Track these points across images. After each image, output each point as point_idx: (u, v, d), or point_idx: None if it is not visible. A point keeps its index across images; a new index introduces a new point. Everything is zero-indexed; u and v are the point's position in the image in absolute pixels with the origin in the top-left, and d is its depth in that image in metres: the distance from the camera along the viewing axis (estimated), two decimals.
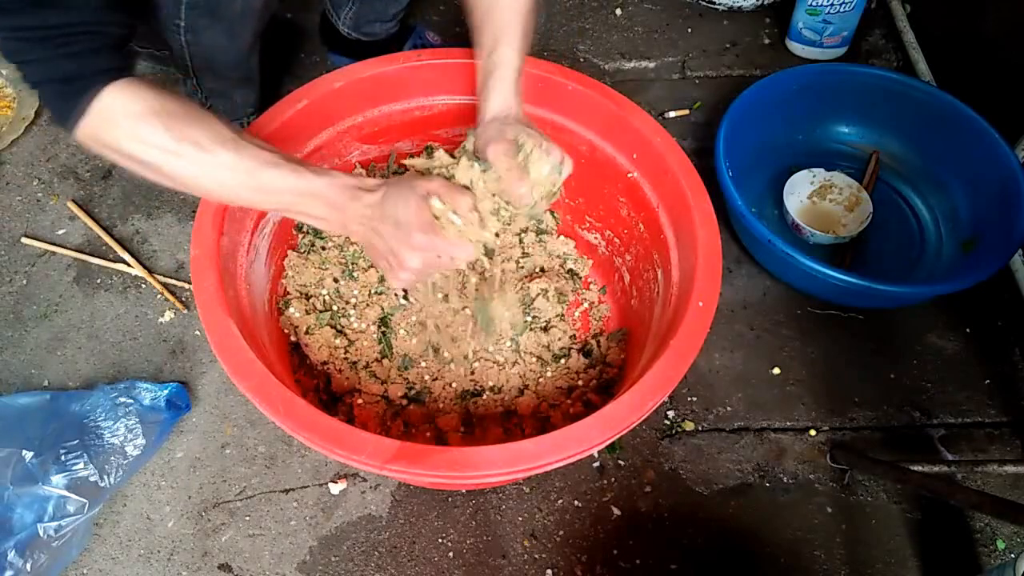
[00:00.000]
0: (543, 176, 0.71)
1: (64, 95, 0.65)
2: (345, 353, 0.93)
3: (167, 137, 0.65)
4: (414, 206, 0.67)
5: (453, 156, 0.74)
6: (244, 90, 1.15)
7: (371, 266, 0.96)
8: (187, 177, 0.68)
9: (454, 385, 0.93)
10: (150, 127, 0.65)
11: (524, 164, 0.70)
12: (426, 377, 0.93)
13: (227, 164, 0.67)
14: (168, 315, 1.09)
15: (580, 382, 0.94)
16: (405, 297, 0.95)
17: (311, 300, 0.95)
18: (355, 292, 0.96)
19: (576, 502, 0.97)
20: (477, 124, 0.78)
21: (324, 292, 0.95)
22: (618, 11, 1.49)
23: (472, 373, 0.94)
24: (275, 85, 1.33)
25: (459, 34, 1.41)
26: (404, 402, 0.91)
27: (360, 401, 0.89)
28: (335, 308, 0.95)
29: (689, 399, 1.05)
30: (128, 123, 0.65)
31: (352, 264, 0.97)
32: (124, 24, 0.70)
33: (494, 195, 0.70)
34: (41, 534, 0.85)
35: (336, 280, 0.96)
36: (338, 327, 0.94)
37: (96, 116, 0.65)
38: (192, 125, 0.66)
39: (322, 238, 0.97)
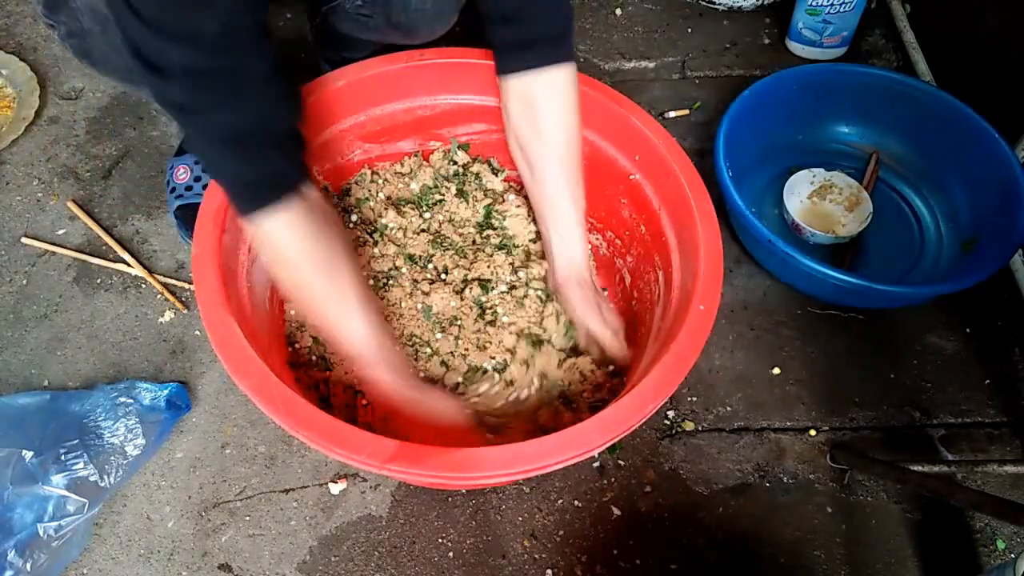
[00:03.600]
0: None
1: (242, 197, 0.72)
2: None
3: (306, 285, 0.76)
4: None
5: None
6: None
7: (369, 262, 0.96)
8: (304, 313, 0.87)
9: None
10: (293, 270, 0.76)
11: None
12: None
13: (324, 308, 0.77)
14: (168, 315, 1.09)
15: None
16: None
17: None
18: None
19: (576, 502, 0.97)
20: (555, 279, 0.93)
21: None
22: (618, 11, 1.49)
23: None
24: None
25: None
26: None
27: (364, 403, 0.89)
28: None
29: (689, 399, 1.05)
30: (282, 253, 0.74)
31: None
32: (295, 117, 0.74)
33: None
34: (41, 534, 0.85)
35: None
36: None
37: (262, 230, 0.72)
38: (328, 282, 0.76)
39: None
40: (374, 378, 0.80)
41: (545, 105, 0.85)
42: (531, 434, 0.87)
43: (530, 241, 1.00)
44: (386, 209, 1.00)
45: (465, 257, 0.98)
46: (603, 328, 0.89)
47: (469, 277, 0.95)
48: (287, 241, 0.73)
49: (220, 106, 0.65)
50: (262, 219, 0.71)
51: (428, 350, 0.92)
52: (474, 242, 1.00)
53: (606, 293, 1.05)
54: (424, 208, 1.02)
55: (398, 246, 0.97)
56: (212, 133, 0.67)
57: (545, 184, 0.89)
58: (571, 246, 0.90)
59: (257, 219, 0.71)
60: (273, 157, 0.70)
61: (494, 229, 1.00)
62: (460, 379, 0.90)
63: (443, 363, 0.91)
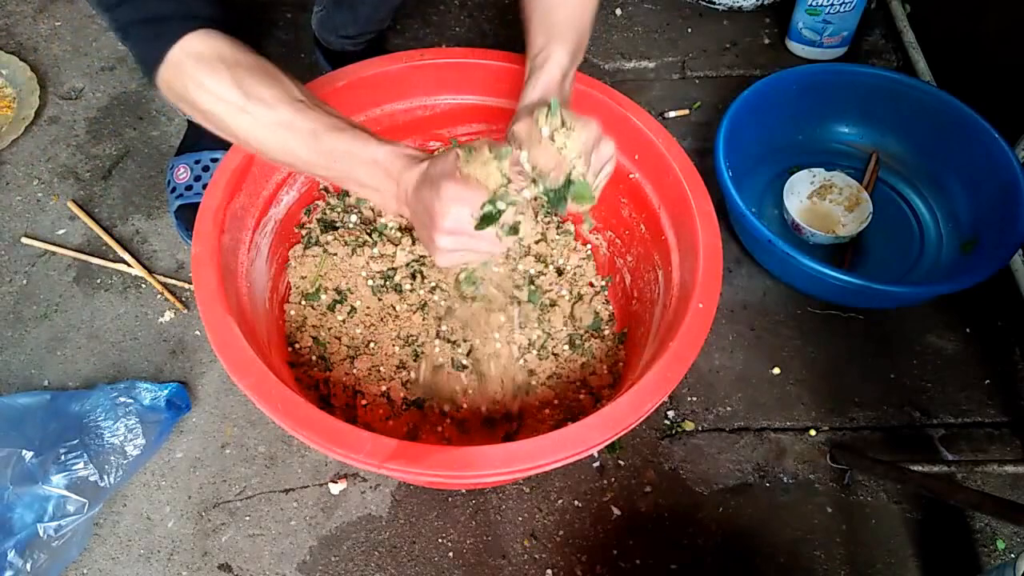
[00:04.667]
0: (577, 143, 0.64)
1: (148, 40, 0.64)
2: (347, 351, 0.93)
3: (235, 91, 0.65)
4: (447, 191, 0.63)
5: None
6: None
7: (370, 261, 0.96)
8: (249, 134, 0.67)
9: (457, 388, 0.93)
10: (218, 79, 0.65)
11: (550, 136, 0.64)
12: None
13: (291, 124, 0.66)
14: (168, 315, 1.09)
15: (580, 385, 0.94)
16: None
17: (312, 298, 0.95)
18: (360, 292, 0.96)
19: (576, 502, 0.97)
20: (520, 100, 0.73)
21: (325, 293, 0.95)
22: (618, 11, 1.49)
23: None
24: None
25: (451, 41, 1.41)
26: (404, 406, 0.91)
27: (364, 403, 0.89)
28: (337, 307, 0.95)
29: (689, 399, 1.05)
30: (199, 73, 0.65)
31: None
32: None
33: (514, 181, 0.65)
34: (41, 534, 0.85)
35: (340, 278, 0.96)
36: (340, 325, 0.94)
37: (172, 64, 0.64)
38: (262, 82, 0.65)
39: (326, 233, 0.97)
40: (377, 160, 0.66)
41: None
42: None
43: (534, 243, 1.00)
44: None
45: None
46: (533, 133, 0.67)
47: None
48: (205, 65, 0.64)
49: None
50: (173, 54, 0.64)
51: (426, 351, 0.92)
52: None
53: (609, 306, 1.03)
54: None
55: (397, 246, 0.97)
56: None
57: (546, 7, 0.75)
58: (549, 66, 0.73)
59: (168, 59, 0.64)
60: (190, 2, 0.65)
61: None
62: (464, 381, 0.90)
63: (439, 366, 0.91)
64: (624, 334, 0.98)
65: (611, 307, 1.02)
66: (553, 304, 0.96)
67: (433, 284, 0.95)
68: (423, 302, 0.95)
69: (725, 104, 1.14)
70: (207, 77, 0.65)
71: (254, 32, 1.39)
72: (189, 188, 1.11)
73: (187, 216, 1.11)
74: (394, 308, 0.94)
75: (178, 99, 0.67)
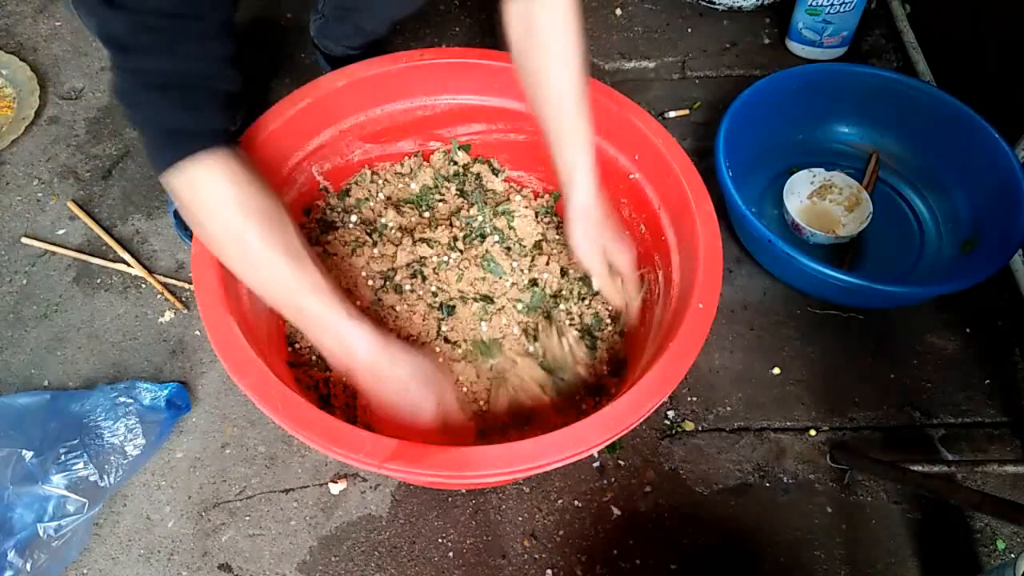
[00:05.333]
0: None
1: (164, 146, 0.66)
2: None
3: (238, 233, 0.68)
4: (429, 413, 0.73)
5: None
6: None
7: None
8: (235, 263, 0.71)
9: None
10: (224, 207, 0.68)
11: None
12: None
13: (280, 280, 0.69)
14: (168, 315, 1.09)
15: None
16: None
17: None
18: (360, 293, 0.96)
19: (576, 502, 0.97)
20: (565, 215, 0.85)
21: None
22: (618, 11, 1.49)
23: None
24: (272, 85, 1.33)
25: (450, 41, 1.41)
26: None
27: (364, 403, 0.89)
28: None
29: (689, 399, 1.05)
30: (206, 194, 0.68)
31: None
32: (238, 82, 0.70)
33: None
34: (41, 534, 0.85)
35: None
36: None
37: (185, 177, 0.67)
38: (267, 230, 0.68)
39: (326, 234, 0.97)
40: (343, 334, 0.71)
41: (545, 26, 0.79)
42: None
43: (535, 243, 1.00)
44: (386, 209, 1.00)
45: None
46: (601, 269, 0.85)
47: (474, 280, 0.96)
48: (215, 189, 0.67)
49: (163, 51, 0.62)
50: (186, 166, 0.66)
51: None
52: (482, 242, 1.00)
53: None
54: (424, 208, 1.02)
55: (397, 246, 0.97)
56: (147, 78, 0.64)
57: (548, 106, 0.82)
58: (575, 173, 0.83)
59: (181, 167, 0.66)
60: (205, 110, 0.67)
61: (500, 231, 1.00)
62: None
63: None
64: (624, 333, 0.98)
65: (611, 307, 1.02)
66: (556, 304, 0.96)
67: (434, 288, 0.95)
68: (425, 302, 0.95)
69: (725, 104, 1.14)
70: (215, 210, 0.68)
71: (254, 32, 1.39)
72: None
73: None
74: (394, 309, 0.94)
75: (178, 201, 0.70)
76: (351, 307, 0.72)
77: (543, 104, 0.83)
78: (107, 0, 0.60)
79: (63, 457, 0.89)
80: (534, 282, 0.97)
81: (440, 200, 1.03)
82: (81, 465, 0.89)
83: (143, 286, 1.12)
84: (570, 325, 0.95)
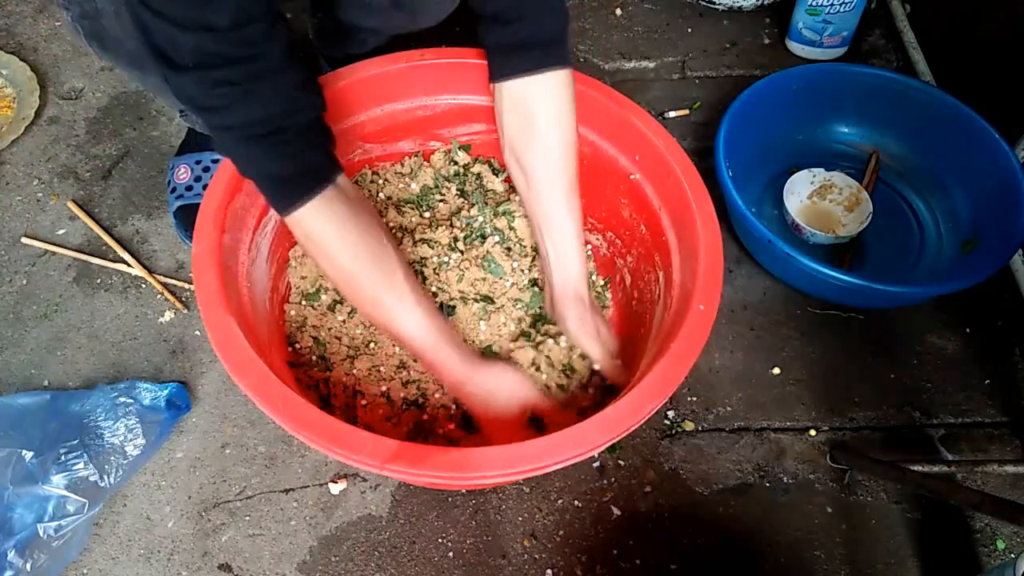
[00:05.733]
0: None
1: (275, 194, 0.72)
2: (347, 351, 0.93)
3: (348, 278, 0.76)
4: (515, 413, 0.83)
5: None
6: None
7: None
8: (344, 291, 0.80)
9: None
10: (335, 262, 0.75)
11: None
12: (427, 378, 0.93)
13: (388, 319, 0.78)
14: (168, 315, 1.09)
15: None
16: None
17: (313, 299, 0.95)
18: None
19: (576, 502, 0.97)
20: (554, 300, 0.90)
21: (325, 293, 0.95)
22: (618, 11, 1.49)
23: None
24: None
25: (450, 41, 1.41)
26: (404, 406, 0.91)
27: (364, 403, 0.89)
28: (338, 307, 0.95)
29: (689, 399, 1.05)
30: (321, 246, 0.74)
31: None
32: (322, 104, 0.73)
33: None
34: (41, 534, 0.85)
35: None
36: (340, 326, 0.94)
37: (297, 223, 0.73)
38: (374, 274, 0.76)
39: None
40: (439, 360, 0.80)
41: (541, 112, 0.82)
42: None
43: (535, 244, 1.00)
44: (386, 209, 1.00)
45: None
46: (599, 349, 0.88)
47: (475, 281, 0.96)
48: (329, 233, 0.72)
49: (238, 101, 0.64)
50: (301, 214, 0.70)
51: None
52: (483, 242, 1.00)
53: (609, 306, 1.04)
54: (424, 208, 1.02)
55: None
56: (236, 131, 0.66)
57: (541, 196, 0.87)
58: (567, 261, 0.87)
59: (296, 215, 0.70)
60: (301, 149, 0.69)
61: (501, 231, 1.00)
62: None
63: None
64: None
65: (611, 307, 1.02)
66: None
67: (435, 289, 0.95)
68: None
69: (725, 104, 1.14)
70: (325, 247, 0.74)
71: None
72: (189, 188, 1.11)
73: (186, 217, 1.11)
74: None
75: (300, 239, 0.76)
76: (451, 333, 0.82)
77: (533, 192, 0.87)
78: (171, 67, 0.61)
79: (63, 457, 0.89)
80: (534, 282, 0.97)
81: (440, 200, 1.03)
82: (81, 465, 0.89)
83: (143, 286, 1.12)
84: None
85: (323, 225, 0.72)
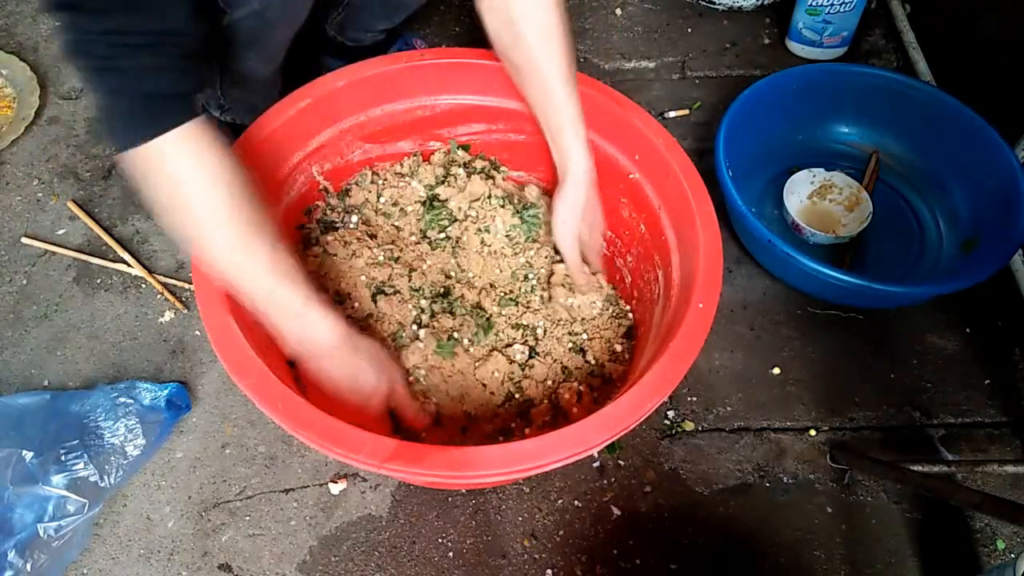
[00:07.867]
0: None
1: (138, 113, 0.63)
2: None
3: (226, 212, 0.66)
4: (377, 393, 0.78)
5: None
6: (269, 96, 1.13)
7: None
8: (210, 251, 0.69)
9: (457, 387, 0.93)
10: (210, 194, 0.65)
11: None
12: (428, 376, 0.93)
13: (257, 261, 0.69)
14: (168, 315, 1.09)
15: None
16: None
17: None
18: (359, 293, 0.96)
19: (576, 502, 0.97)
20: (553, 198, 0.89)
21: (325, 293, 0.95)
22: (618, 11, 1.49)
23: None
24: None
25: (451, 41, 1.41)
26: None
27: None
28: (337, 307, 0.95)
29: (689, 399, 1.05)
30: (197, 175, 0.65)
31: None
32: (204, 38, 0.68)
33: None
34: (41, 534, 0.85)
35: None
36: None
37: (148, 153, 0.63)
38: (251, 211, 0.67)
39: (326, 234, 0.97)
40: (310, 321, 0.72)
41: (524, 16, 0.79)
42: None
43: (532, 239, 1.00)
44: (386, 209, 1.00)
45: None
46: (573, 255, 0.89)
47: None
48: (203, 162, 0.64)
49: (126, 8, 0.59)
50: (161, 143, 0.62)
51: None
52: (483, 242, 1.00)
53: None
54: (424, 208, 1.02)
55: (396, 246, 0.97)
56: (112, 36, 0.60)
57: (539, 103, 0.84)
58: (570, 167, 0.85)
59: (157, 143, 0.62)
60: (183, 71, 0.64)
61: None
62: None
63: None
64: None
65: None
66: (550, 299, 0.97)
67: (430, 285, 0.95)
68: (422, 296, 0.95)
69: (725, 104, 1.14)
70: (203, 177, 0.65)
71: None
72: None
73: None
74: (391, 310, 0.94)
75: (149, 175, 0.65)
76: (321, 294, 0.73)
77: (532, 95, 0.86)
78: None
79: (63, 457, 0.89)
80: (527, 276, 0.98)
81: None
82: (81, 465, 0.89)
83: (143, 286, 1.12)
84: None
85: (188, 159, 0.64)
